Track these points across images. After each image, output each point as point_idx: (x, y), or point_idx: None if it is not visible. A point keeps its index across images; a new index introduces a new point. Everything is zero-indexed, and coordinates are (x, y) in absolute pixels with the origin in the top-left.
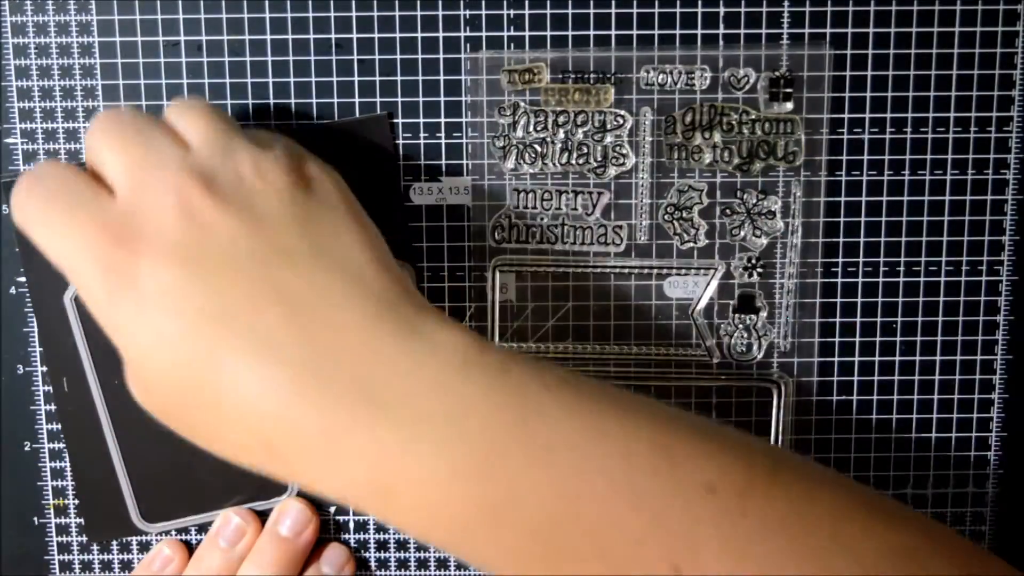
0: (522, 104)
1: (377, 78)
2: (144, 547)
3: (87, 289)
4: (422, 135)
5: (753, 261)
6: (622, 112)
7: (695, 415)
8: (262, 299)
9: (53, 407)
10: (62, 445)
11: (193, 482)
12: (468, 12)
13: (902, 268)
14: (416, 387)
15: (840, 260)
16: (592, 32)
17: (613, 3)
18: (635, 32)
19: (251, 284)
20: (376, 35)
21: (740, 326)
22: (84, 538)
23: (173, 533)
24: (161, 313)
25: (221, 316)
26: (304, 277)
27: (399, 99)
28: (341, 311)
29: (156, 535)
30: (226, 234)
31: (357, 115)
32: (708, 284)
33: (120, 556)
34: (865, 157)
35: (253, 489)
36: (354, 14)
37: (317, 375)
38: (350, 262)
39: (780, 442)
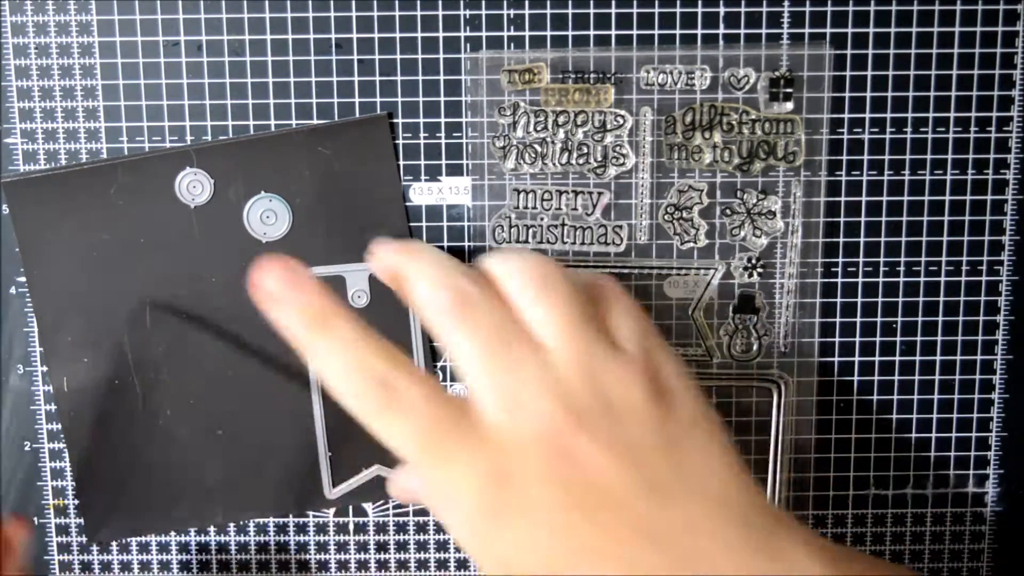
0: (522, 104)
1: (377, 78)
2: (143, 548)
3: (461, 518)
4: (422, 135)
5: (753, 261)
6: (622, 112)
7: None
8: (638, 534)
9: (53, 407)
10: (62, 445)
11: (175, 490)
12: (468, 12)
13: (902, 268)
14: None
15: (840, 260)
16: (592, 32)
17: (613, 3)
18: (635, 32)
19: (627, 520)
20: (376, 35)
21: (740, 326)
22: (84, 538)
23: (173, 534)
24: (544, 547)
25: (598, 552)
26: (674, 510)
27: (399, 99)
28: (710, 541)
29: (156, 537)
30: (600, 472)
31: (357, 115)
32: (708, 284)
33: (120, 556)
34: (865, 157)
35: (227, 502)
36: (354, 14)
37: None
38: (714, 486)
39: (780, 442)
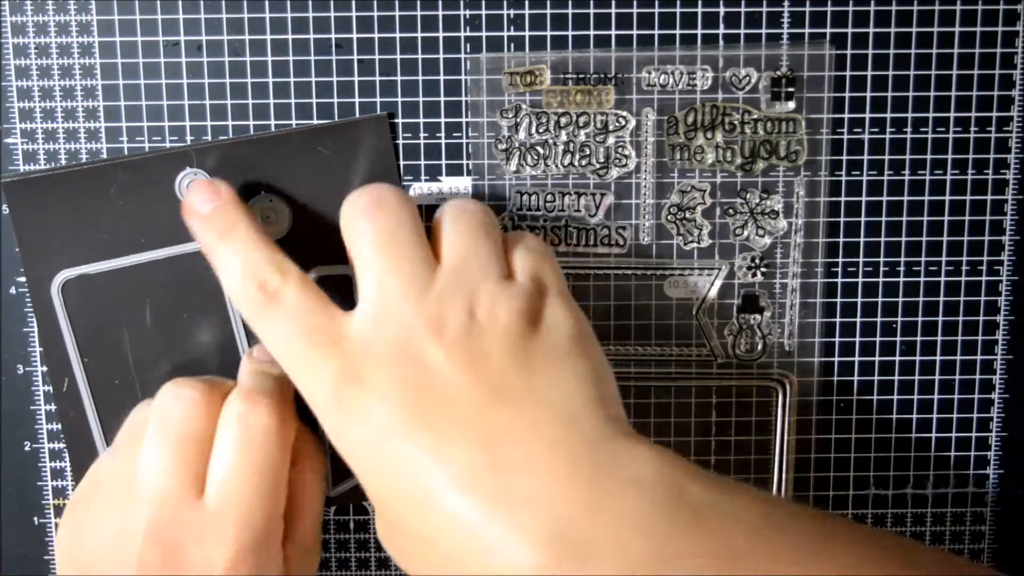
0: (524, 106)
1: (377, 78)
2: None
3: (322, 413)
4: (422, 135)
5: (756, 261)
6: (624, 113)
7: (901, 538)
8: (472, 437)
9: (53, 407)
10: (62, 445)
11: None
12: (468, 12)
13: (902, 268)
14: (622, 532)
15: (840, 260)
16: (592, 32)
17: (613, 3)
18: (635, 32)
19: (463, 422)
20: (376, 35)
21: (744, 326)
22: None
23: None
24: (382, 450)
25: (434, 449)
26: (516, 418)
27: (399, 99)
28: (550, 454)
29: None
30: (445, 376)
31: (357, 115)
32: (711, 284)
33: None
34: (865, 157)
35: None
36: (354, 14)
37: (515, 516)
38: (564, 403)
39: (783, 442)
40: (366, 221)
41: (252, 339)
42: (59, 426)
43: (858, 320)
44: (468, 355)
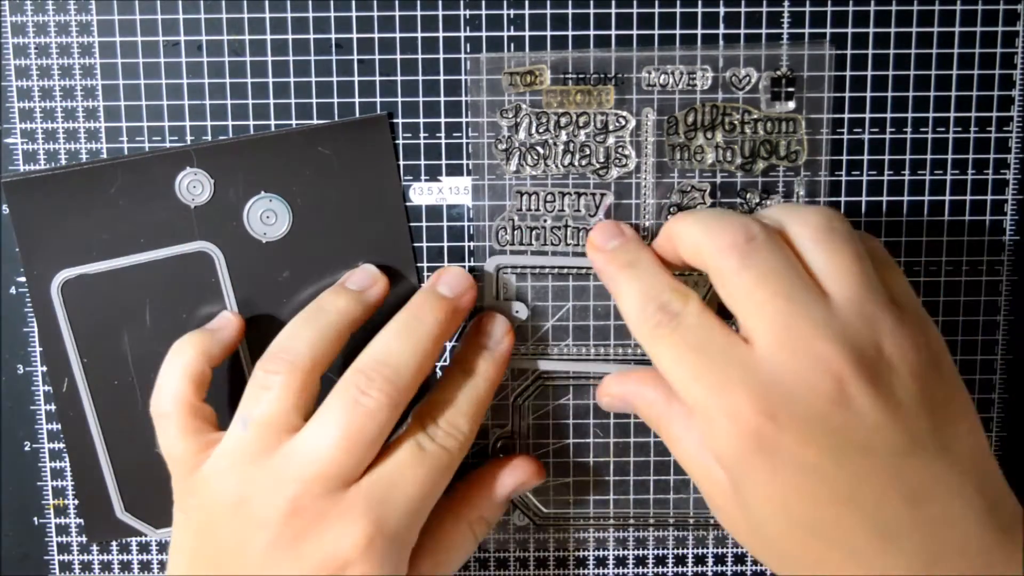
0: (524, 106)
1: (377, 78)
2: (144, 547)
3: (721, 446)
4: (422, 135)
5: None
6: (624, 113)
7: None
8: (891, 488)
9: (53, 407)
10: (62, 445)
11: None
12: (468, 12)
13: (902, 268)
14: None
15: None
16: (592, 32)
17: (613, 3)
18: (635, 32)
19: (883, 472)
20: (376, 35)
21: None
22: (84, 538)
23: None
24: (794, 489)
25: (849, 501)
26: (929, 469)
27: (399, 99)
28: (959, 506)
29: (156, 537)
30: (872, 422)
31: (357, 115)
32: (711, 284)
33: (120, 556)
34: (865, 157)
35: None
36: (354, 14)
37: (931, 568)
38: (965, 453)
39: None
40: (739, 257)
41: (252, 340)
42: (59, 426)
43: None
44: (886, 397)
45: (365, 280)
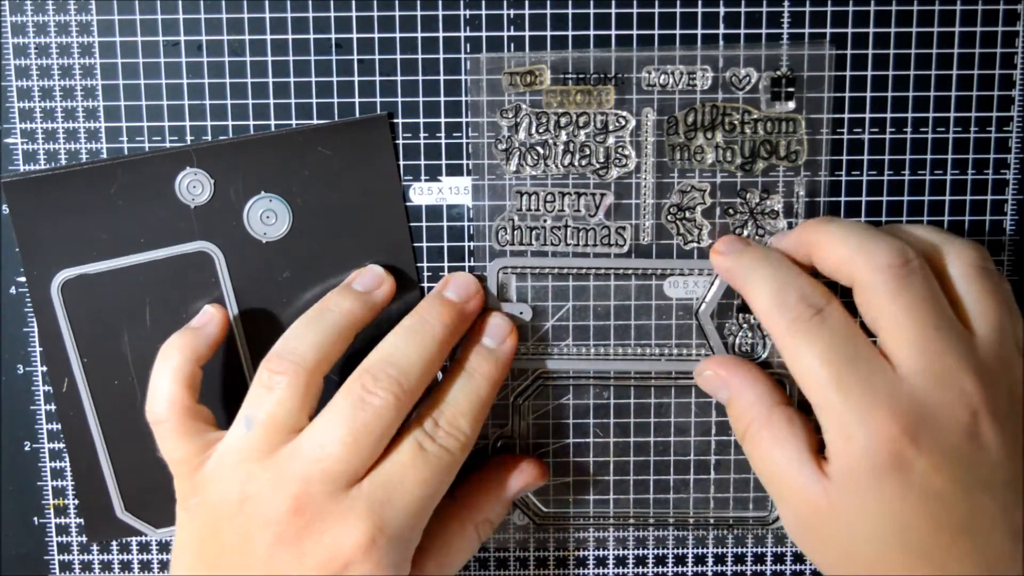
0: (524, 106)
1: (377, 78)
2: (144, 547)
3: (859, 451)
4: (422, 135)
5: None
6: (624, 113)
7: None
8: (1001, 523)
9: (53, 407)
10: (62, 445)
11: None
12: (468, 12)
13: None
14: None
15: None
16: (592, 32)
17: (613, 3)
18: (635, 32)
19: (997, 507)
20: (376, 35)
21: (744, 325)
22: (84, 538)
23: (173, 537)
24: (919, 513)
25: (965, 531)
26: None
27: (399, 99)
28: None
29: (156, 537)
30: (995, 459)
31: (357, 115)
32: (712, 284)
33: (120, 556)
34: (865, 157)
35: None
36: (354, 14)
37: None
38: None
39: None
40: (895, 280)
41: (252, 339)
42: (59, 426)
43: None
44: (1010, 437)
45: (371, 281)
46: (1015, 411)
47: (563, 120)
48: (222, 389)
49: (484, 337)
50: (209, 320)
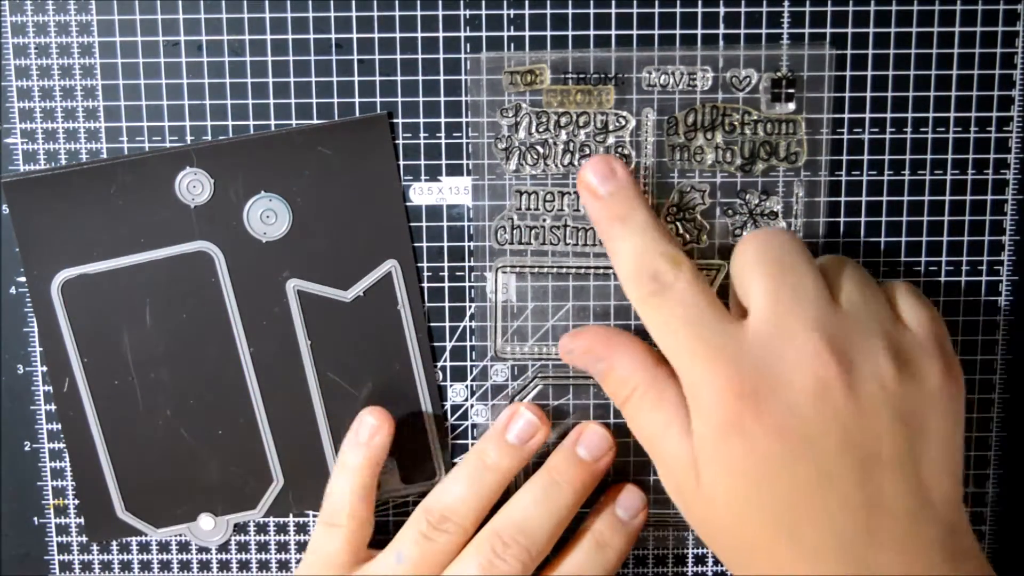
0: (524, 106)
1: (377, 78)
2: (144, 547)
3: (701, 418)
4: (422, 135)
5: None
6: (624, 113)
7: None
8: (856, 493)
9: (53, 407)
10: (62, 445)
11: (175, 490)
12: (468, 12)
13: (902, 268)
14: None
15: None
16: (592, 32)
17: (613, 3)
18: (635, 32)
19: (850, 476)
20: (376, 35)
21: None
22: (84, 538)
23: (173, 537)
24: (764, 473)
25: (813, 496)
26: (885, 489)
27: (399, 99)
28: (916, 527)
29: (156, 537)
30: (840, 428)
31: (357, 115)
32: (711, 284)
33: (120, 556)
34: (865, 157)
35: (227, 502)
36: (354, 14)
37: None
38: (930, 485)
39: None
40: (758, 244)
41: (252, 339)
42: (59, 426)
43: None
44: (876, 407)
45: (526, 432)
46: (877, 377)
47: (563, 120)
48: (222, 389)
49: (617, 507)
50: (377, 431)
